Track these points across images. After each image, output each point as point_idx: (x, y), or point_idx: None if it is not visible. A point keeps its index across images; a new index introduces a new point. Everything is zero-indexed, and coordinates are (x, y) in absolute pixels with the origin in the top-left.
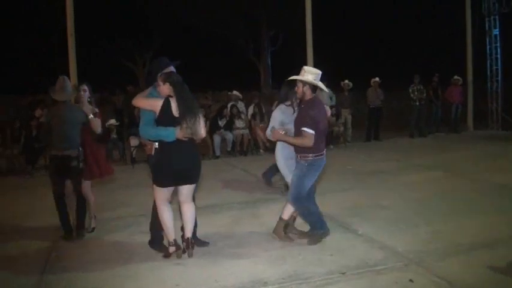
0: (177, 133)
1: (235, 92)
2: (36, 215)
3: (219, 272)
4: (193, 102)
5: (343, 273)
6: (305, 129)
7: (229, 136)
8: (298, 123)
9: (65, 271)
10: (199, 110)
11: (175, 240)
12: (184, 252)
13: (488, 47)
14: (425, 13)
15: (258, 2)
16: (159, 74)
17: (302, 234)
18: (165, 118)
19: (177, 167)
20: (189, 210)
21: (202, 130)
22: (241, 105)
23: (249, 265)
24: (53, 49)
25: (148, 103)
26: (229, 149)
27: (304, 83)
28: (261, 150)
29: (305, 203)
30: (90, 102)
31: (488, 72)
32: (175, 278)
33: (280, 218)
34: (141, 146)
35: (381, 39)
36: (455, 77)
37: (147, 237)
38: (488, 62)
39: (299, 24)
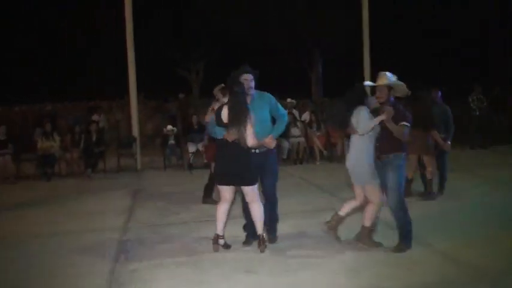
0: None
1: (290, 100)
2: (100, 216)
3: (291, 281)
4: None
5: None
6: (405, 122)
7: (285, 144)
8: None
9: (134, 274)
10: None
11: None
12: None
13: None
14: (488, 23)
15: (311, 12)
16: None
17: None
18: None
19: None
20: (253, 210)
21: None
22: (295, 113)
23: (321, 276)
24: (110, 57)
25: None
26: (284, 157)
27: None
28: (318, 163)
29: (407, 210)
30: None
31: None
32: (249, 285)
33: (363, 226)
34: (198, 152)
35: (441, 47)
36: None
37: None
38: None
39: (354, 34)
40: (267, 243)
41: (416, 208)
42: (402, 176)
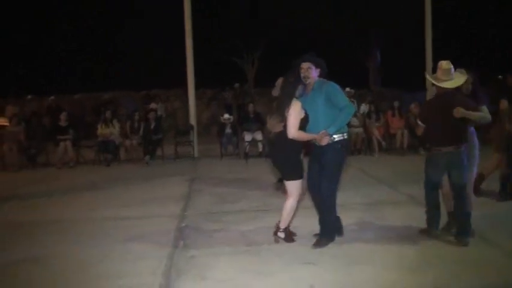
0: None
1: (348, 90)
2: (158, 202)
3: (351, 275)
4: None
5: None
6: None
7: None
8: None
9: (192, 260)
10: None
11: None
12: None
13: None
14: None
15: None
16: None
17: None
18: None
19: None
20: (285, 203)
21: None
22: (353, 103)
23: (381, 272)
24: (167, 46)
25: None
26: None
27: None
28: (376, 154)
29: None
30: None
31: None
32: (309, 277)
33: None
34: (253, 141)
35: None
36: None
37: (272, 232)
38: None
39: (415, 20)
40: (280, 238)
41: (487, 207)
42: (426, 171)
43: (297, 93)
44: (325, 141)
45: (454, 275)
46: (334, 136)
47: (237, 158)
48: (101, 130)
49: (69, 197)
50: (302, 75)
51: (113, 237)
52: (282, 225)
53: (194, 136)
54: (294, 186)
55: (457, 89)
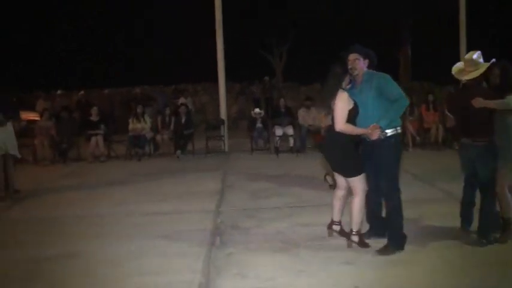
0: None
1: None
2: (191, 198)
3: (390, 275)
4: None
5: None
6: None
7: None
8: None
9: (230, 258)
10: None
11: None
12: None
13: None
14: None
15: None
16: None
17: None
18: None
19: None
20: (351, 203)
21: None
22: None
23: (421, 273)
24: (196, 41)
25: None
26: None
27: None
28: (410, 149)
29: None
30: None
31: None
32: (351, 278)
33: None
34: (284, 136)
35: None
36: None
37: (310, 229)
38: None
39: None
40: (353, 242)
41: None
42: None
43: (343, 84)
44: (375, 135)
45: (497, 277)
46: (387, 131)
47: (268, 153)
48: (132, 125)
49: (101, 192)
50: (349, 66)
51: (148, 233)
52: (355, 228)
53: (225, 131)
54: (357, 182)
55: (487, 81)
